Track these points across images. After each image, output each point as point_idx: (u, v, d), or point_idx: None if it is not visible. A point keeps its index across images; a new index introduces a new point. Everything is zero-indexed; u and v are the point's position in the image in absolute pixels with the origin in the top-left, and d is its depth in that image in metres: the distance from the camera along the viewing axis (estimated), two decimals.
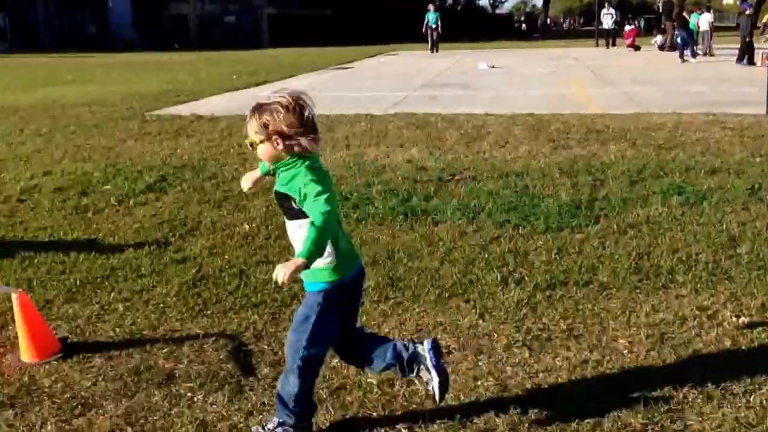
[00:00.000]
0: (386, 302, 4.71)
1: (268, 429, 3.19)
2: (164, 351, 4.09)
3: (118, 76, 23.73)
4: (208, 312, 4.65)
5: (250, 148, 3.08)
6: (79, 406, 3.52)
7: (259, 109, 2.99)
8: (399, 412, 3.40)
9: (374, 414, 3.39)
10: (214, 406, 3.48)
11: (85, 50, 43.52)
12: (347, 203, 6.97)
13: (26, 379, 3.81)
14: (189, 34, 56.46)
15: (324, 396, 3.54)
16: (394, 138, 10.49)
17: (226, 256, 5.68)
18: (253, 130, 3.01)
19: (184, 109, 14.24)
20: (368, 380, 3.67)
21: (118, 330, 4.40)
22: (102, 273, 5.36)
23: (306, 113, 2.95)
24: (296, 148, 2.95)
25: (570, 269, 5.18)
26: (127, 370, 3.87)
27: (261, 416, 3.37)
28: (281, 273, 2.75)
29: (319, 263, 2.93)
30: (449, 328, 4.32)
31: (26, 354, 4.02)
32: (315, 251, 2.81)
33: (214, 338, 4.24)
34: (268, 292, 4.91)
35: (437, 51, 37.33)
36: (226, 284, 5.10)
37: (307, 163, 2.98)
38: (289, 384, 3.13)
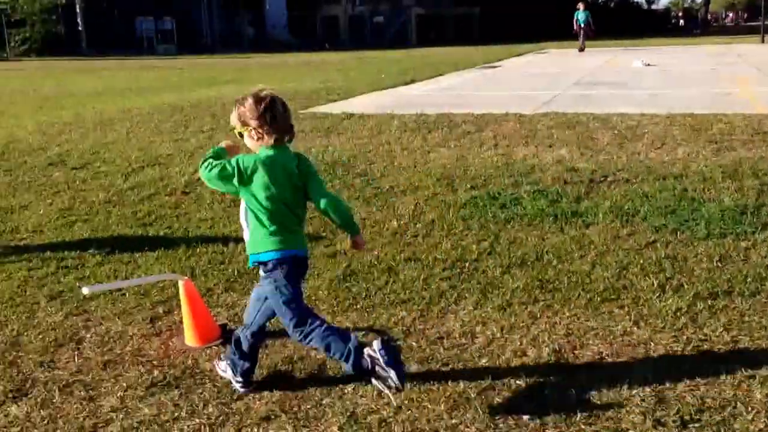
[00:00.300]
0: (535, 304, 4.63)
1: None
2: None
3: (273, 76, 24.58)
4: (358, 306, 4.73)
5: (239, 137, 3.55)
6: (237, 391, 3.67)
7: (238, 101, 3.48)
8: (549, 417, 3.33)
9: (524, 417, 3.34)
10: (364, 399, 3.54)
11: (243, 51, 45.40)
12: (495, 203, 6.91)
13: (189, 362, 4.02)
14: (339, 35, 57.77)
15: (472, 395, 3.52)
16: (543, 138, 10.31)
17: (375, 252, 5.76)
18: (234, 119, 3.51)
19: (335, 108, 14.56)
20: (518, 382, 3.62)
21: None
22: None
23: (271, 110, 3.41)
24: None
25: (734, 278, 4.90)
26: (282, 358, 4.00)
27: (410, 412, 3.39)
28: None
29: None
30: (602, 333, 4.19)
31: (190, 338, 4.24)
32: None
33: (363, 332, 4.31)
34: (416, 289, 4.94)
35: (584, 50, 36.34)
36: (374, 280, 5.17)
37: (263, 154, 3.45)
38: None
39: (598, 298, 4.67)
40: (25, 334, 4.46)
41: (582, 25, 36.31)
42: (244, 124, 3.44)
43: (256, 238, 3.49)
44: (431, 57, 34.74)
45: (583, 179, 7.73)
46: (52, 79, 25.06)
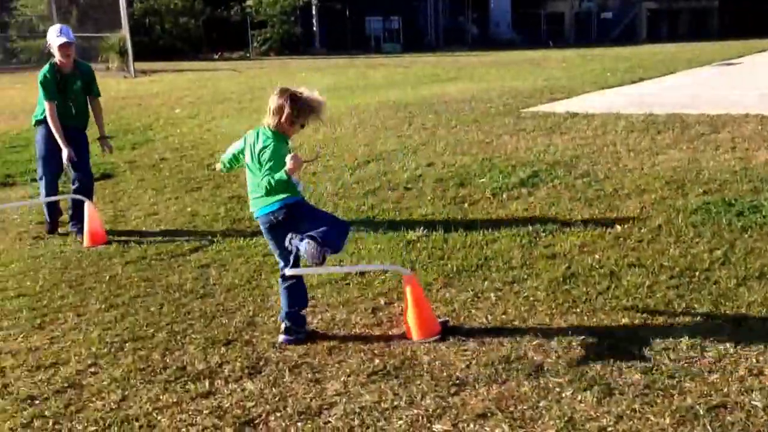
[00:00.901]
0: None
1: None
2: (534, 343, 4.17)
3: (496, 74, 24.56)
4: (577, 310, 4.63)
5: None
6: (454, 386, 3.73)
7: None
8: None
9: None
10: (583, 404, 3.47)
11: (466, 49, 45.79)
12: (730, 209, 6.48)
13: (408, 353, 4.14)
14: (564, 32, 56.63)
15: (701, 412, 3.34)
16: None
17: (597, 256, 5.61)
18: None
19: (558, 106, 14.30)
20: (752, 402, 3.39)
21: (489, 318, 4.58)
22: (476, 262, 5.61)
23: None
24: None
25: None
26: (498, 357, 4.01)
27: (631, 423, 3.28)
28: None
29: None
30: None
31: (410, 331, 4.35)
32: None
33: (583, 336, 4.22)
34: (640, 296, 4.76)
35: None
36: (596, 283, 5.04)
37: None
38: None
39: None
40: (260, 315, 4.80)
41: None
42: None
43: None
44: (662, 54, 33.12)
45: None
46: (288, 76, 26.63)
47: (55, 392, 3.88)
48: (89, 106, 7.15)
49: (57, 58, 6.85)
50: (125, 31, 30.53)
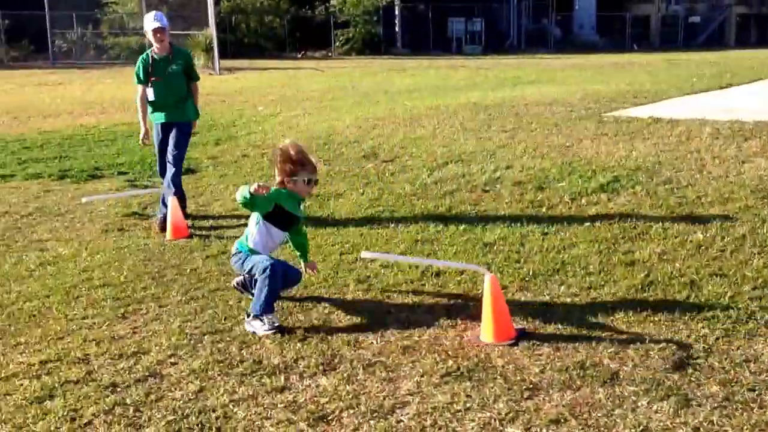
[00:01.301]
0: None
1: None
2: (609, 351, 4.11)
3: (578, 77, 24.22)
4: (656, 318, 4.55)
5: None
6: (527, 390, 3.72)
7: None
8: None
9: None
10: (659, 414, 3.41)
11: (548, 52, 45.27)
12: None
13: (482, 356, 4.13)
14: (649, 35, 55.39)
15: None
16: None
17: (677, 264, 5.49)
18: None
19: (641, 111, 14.01)
20: None
21: (565, 323, 4.54)
22: (553, 266, 5.56)
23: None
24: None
25: None
26: (573, 363, 3.97)
27: None
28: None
29: None
30: None
31: (485, 333, 4.35)
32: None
33: (661, 345, 4.14)
34: (721, 307, 4.64)
35: None
36: (675, 293, 4.94)
37: None
38: None
39: None
40: (335, 313, 4.87)
41: None
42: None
43: None
44: (751, 59, 32.08)
45: None
46: (369, 76, 26.84)
47: (137, 381, 4.02)
48: (188, 90, 7.47)
49: (153, 44, 7.22)
50: (212, 29, 31.23)
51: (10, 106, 17.82)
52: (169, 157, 7.35)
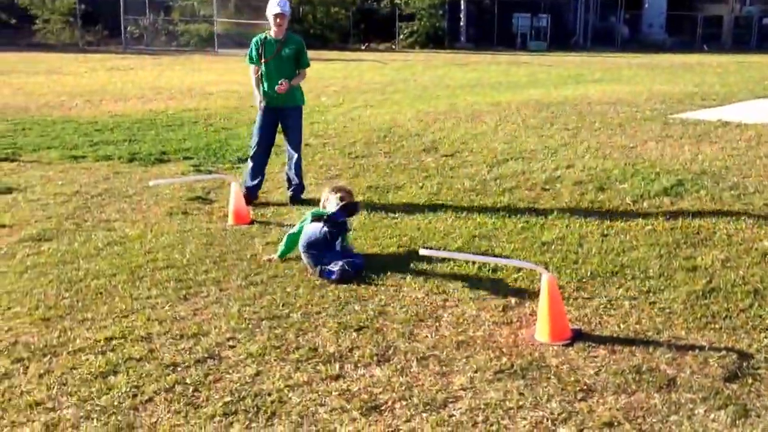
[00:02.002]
0: None
1: None
2: (667, 356, 4.07)
3: (645, 77, 23.80)
4: (716, 326, 4.48)
5: None
6: (581, 392, 3.71)
7: None
8: None
9: None
10: (715, 423, 3.37)
11: (615, 50, 44.55)
12: None
13: (536, 355, 4.13)
14: (721, 36, 54.04)
15: None
16: None
17: (740, 272, 5.39)
18: None
19: (708, 114, 13.73)
20: None
21: (622, 326, 4.50)
22: (611, 268, 5.51)
23: None
24: None
25: None
26: (629, 367, 3.94)
27: None
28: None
29: None
30: None
31: (541, 332, 4.34)
32: None
33: (720, 353, 4.08)
34: None
35: None
36: (738, 300, 4.86)
37: None
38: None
39: None
40: (391, 305, 4.91)
41: None
42: None
43: None
44: None
45: None
46: (431, 70, 26.78)
47: (196, 361, 4.12)
48: (296, 75, 7.73)
49: (272, 26, 7.59)
50: None
51: (83, 89, 18.30)
52: (290, 146, 7.80)
